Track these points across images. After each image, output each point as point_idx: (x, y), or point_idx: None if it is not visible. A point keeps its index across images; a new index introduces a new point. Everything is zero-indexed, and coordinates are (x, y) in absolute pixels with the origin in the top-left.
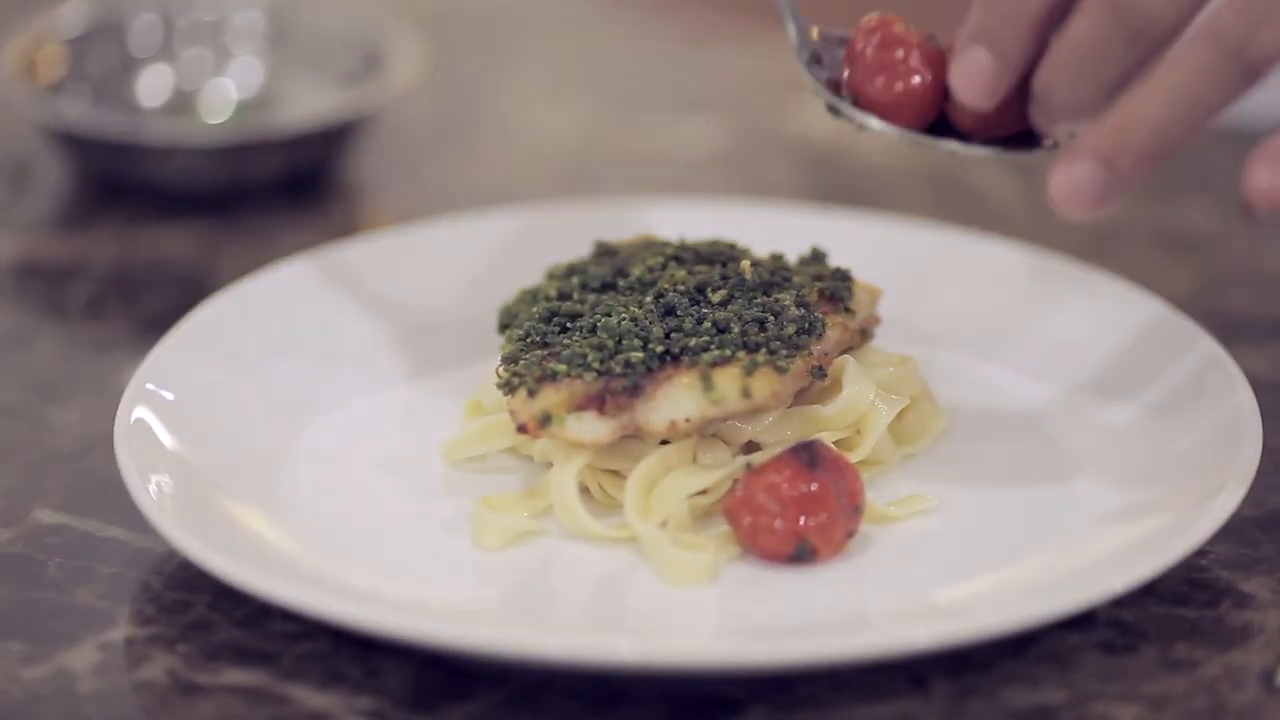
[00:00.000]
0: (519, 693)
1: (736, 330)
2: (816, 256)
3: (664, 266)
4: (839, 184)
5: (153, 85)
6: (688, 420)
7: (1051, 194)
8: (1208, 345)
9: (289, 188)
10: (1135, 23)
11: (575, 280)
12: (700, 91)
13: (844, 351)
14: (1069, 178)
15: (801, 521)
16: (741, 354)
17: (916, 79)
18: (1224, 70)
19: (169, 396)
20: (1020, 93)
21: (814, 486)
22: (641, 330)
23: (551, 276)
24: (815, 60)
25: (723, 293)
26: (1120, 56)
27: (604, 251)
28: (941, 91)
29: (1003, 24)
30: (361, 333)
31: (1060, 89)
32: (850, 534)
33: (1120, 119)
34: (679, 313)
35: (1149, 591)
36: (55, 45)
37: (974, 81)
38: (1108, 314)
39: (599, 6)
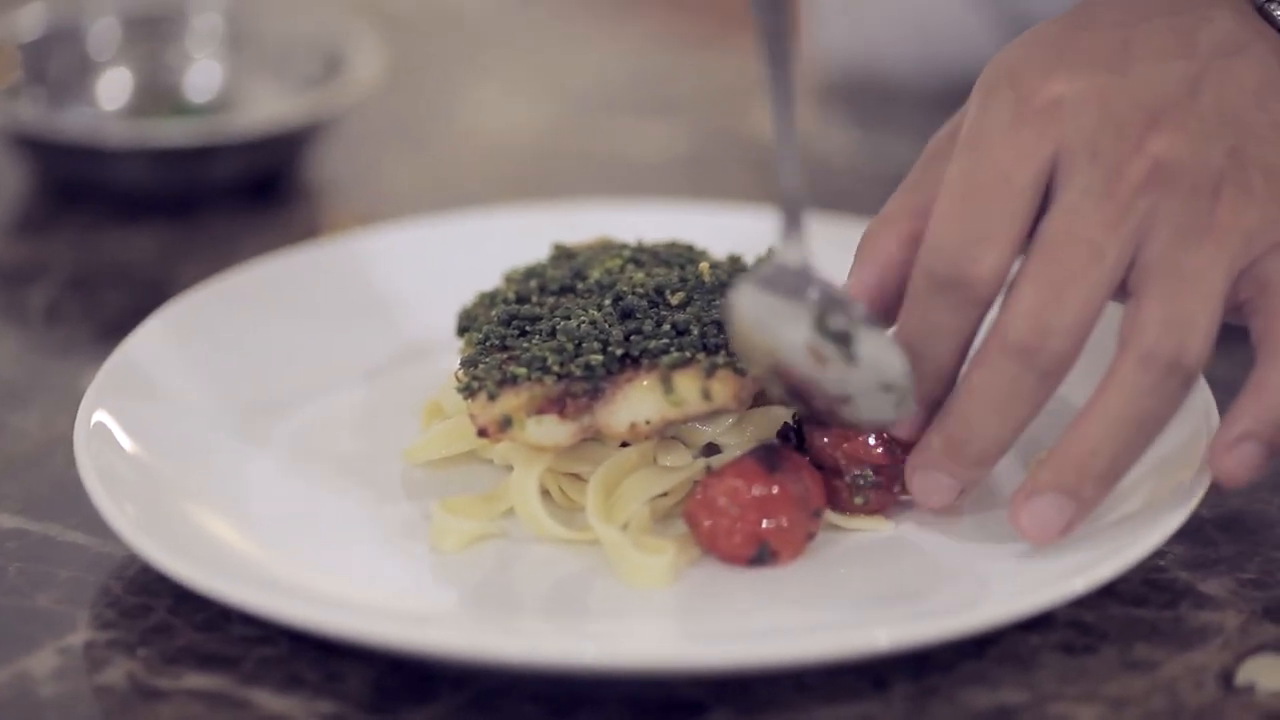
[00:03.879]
0: (480, 696)
1: (696, 332)
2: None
3: (622, 269)
4: None
5: (112, 88)
6: (648, 422)
7: (1019, 529)
8: None
9: (249, 191)
10: (1044, 364)
11: (534, 283)
12: (659, 95)
13: None
14: (1035, 514)
15: (762, 524)
16: (701, 356)
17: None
18: (1165, 387)
19: (129, 400)
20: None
21: (774, 489)
22: (601, 333)
23: (510, 279)
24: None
25: (681, 295)
26: (1035, 396)
27: (562, 254)
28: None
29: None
30: (321, 336)
31: (978, 437)
32: (810, 536)
33: (1076, 451)
34: (638, 315)
35: (1108, 592)
36: (12, 48)
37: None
38: None
39: (559, 10)
